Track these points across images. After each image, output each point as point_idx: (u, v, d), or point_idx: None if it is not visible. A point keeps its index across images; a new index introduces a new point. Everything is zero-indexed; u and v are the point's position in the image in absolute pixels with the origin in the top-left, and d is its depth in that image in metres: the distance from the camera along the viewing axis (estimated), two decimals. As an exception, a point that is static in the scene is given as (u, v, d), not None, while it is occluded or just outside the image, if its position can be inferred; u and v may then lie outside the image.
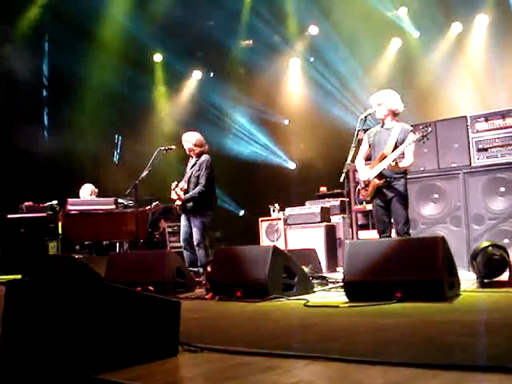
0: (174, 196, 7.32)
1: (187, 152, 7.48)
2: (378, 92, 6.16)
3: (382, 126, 6.11)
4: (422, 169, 7.68)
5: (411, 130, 5.93)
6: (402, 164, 5.84)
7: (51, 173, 11.08)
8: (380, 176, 5.90)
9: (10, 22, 10.89)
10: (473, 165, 7.42)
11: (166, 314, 2.81)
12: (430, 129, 5.77)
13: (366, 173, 6.08)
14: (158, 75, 13.83)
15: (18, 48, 10.97)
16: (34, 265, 6.80)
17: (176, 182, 7.30)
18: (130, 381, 2.28)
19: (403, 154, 5.88)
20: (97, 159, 12.39)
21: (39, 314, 2.69)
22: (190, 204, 7.19)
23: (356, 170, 6.86)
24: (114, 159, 13.76)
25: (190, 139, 7.41)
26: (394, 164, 5.74)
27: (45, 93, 12.42)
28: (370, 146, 6.19)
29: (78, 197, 9.25)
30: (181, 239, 7.42)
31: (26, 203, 9.50)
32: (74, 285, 2.59)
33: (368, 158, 6.29)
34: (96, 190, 9.40)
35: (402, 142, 5.86)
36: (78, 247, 9.40)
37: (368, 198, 6.09)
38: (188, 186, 7.26)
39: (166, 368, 2.58)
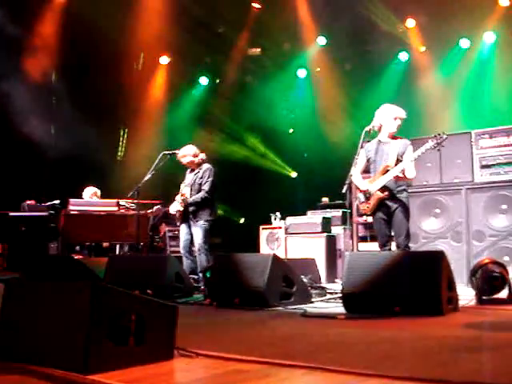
0: (172, 210, 7.31)
1: (187, 165, 7.46)
2: (389, 105, 6.12)
3: (380, 141, 6.09)
4: (425, 183, 7.68)
5: (410, 144, 5.95)
6: (408, 175, 5.84)
7: (56, 171, 11.06)
8: (383, 189, 5.88)
9: (27, 27, 10.93)
10: (475, 181, 7.40)
11: (163, 318, 2.81)
12: (445, 136, 5.73)
13: (365, 185, 6.04)
14: (163, 78, 13.80)
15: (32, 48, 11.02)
16: (33, 264, 6.81)
17: (181, 190, 7.28)
18: (126, 383, 2.28)
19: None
20: (100, 160, 12.36)
21: (36, 312, 2.69)
22: (192, 208, 7.17)
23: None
24: (118, 160, 13.76)
25: (188, 152, 7.38)
26: (402, 175, 5.72)
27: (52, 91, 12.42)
28: (367, 160, 6.16)
29: (81, 198, 9.24)
30: (180, 247, 7.37)
31: (28, 202, 9.50)
32: (72, 285, 2.59)
33: (365, 172, 6.28)
34: (98, 193, 9.40)
35: (403, 154, 5.88)
36: (77, 248, 9.39)
37: (369, 212, 6.06)
38: (190, 193, 7.25)
39: (162, 372, 2.58)
